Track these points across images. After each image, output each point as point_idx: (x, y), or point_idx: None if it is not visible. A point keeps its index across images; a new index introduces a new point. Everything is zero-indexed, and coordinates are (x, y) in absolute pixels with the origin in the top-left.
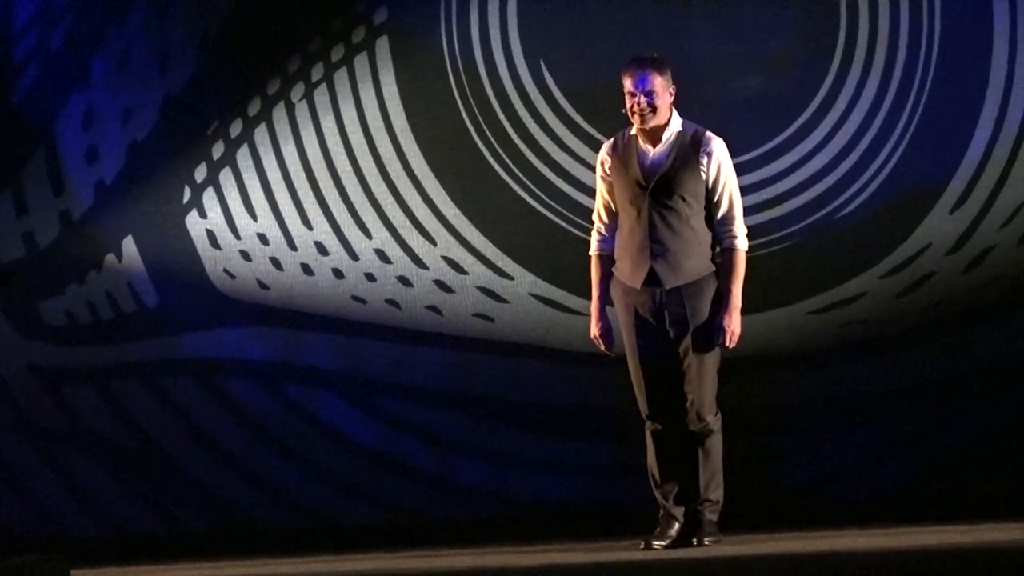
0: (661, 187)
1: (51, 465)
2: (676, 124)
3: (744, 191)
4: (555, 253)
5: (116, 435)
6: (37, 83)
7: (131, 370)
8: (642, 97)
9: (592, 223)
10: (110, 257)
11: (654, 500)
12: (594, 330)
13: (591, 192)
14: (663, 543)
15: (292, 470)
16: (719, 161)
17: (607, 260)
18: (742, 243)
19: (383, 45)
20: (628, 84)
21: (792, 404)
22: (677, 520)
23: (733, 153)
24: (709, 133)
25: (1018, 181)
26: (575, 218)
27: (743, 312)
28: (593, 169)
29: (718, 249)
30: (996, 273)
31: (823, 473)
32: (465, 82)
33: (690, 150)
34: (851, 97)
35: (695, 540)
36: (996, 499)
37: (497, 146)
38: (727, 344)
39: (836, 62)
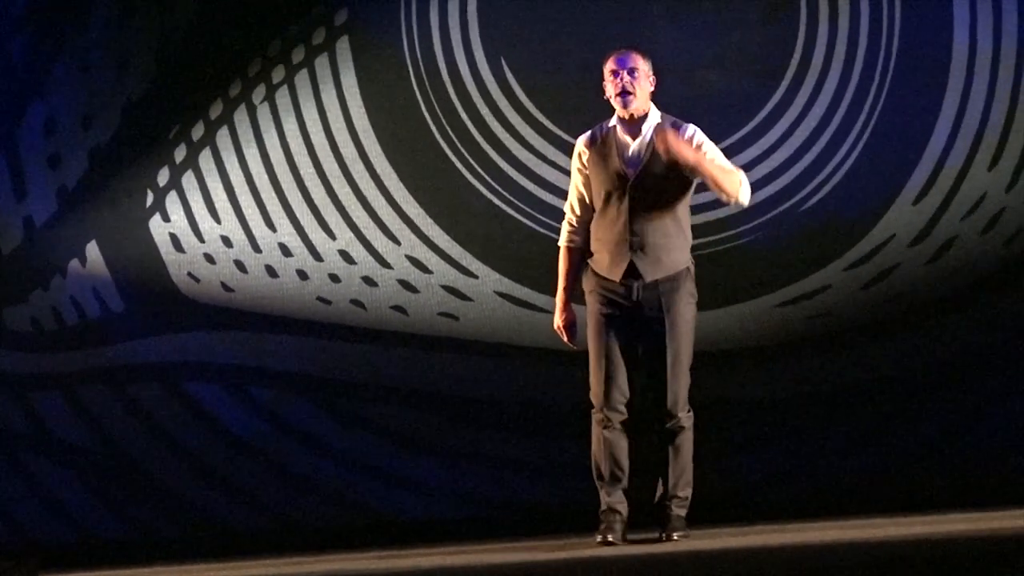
0: (643, 179)
1: (19, 471)
2: (655, 116)
3: (707, 186)
4: (519, 251)
5: (83, 440)
6: None
7: (97, 375)
8: (626, 74)
9: (563, 215)
10: (74, 263)
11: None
12: (558, 320)
13: (555, 190)
14: (617, 537)
15: (259, 472)
16: (700, 140)
17: (576, 252)
18: (743, 176)
19: (344, 46)
20: (611, 65)
21: (759, 397)
22: (620, 515)
23: None
24: (687, 123)
25: (980, 172)
26: (539, 216)
27: (710, 307)
28: (556, 166)
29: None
30: (959, 264)
31: (791, 466)
32: (427, 81)
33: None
34: (812, 90)
35: (664, 535)
36: (962, 489)
37: (460, 145)
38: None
39: (797, 56)
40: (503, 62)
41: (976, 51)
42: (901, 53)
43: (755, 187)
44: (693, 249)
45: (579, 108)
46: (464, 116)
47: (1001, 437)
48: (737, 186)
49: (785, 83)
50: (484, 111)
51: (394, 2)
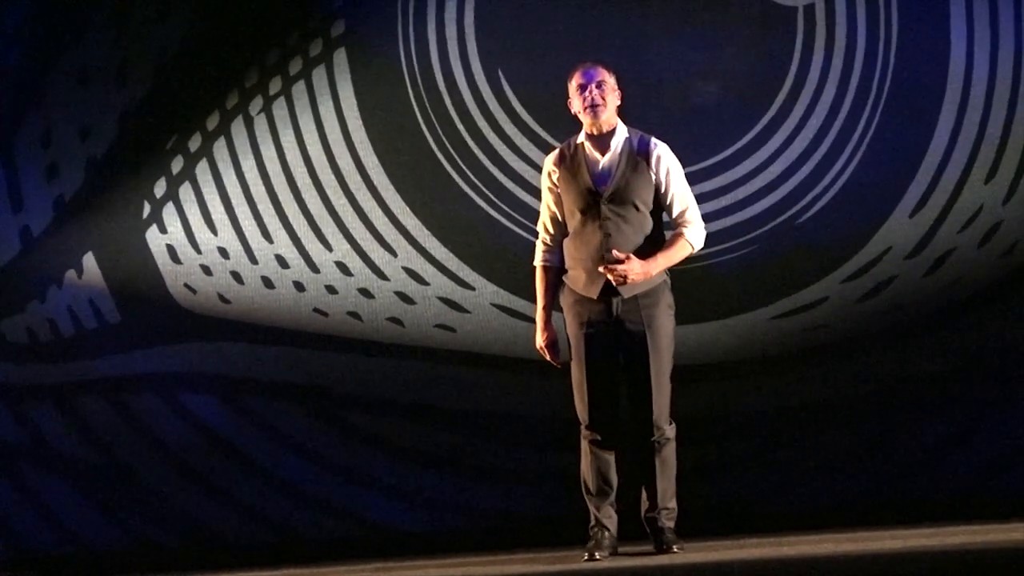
0: (615, 195)
1: (14, 482)
2: (623, 131)
3: (704, 198)
4: (516, 262)
5: (79, 451)
6: None
7: (93, 386)
8: (594, 87)
9: (536, 234)
10: (70, 273)
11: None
12: (540, 341)
13: None
14: (605, 553)
15: (255, 484)
16: (668, 164)
17: (552, 271)
18: (691, 234)
19: (341, 58)
20: (578, 79)
21: (755, 409)
22: (608, 530)
23: (693, 160)
24: (654, 139)
25: (977, 184)
26: (535, 227)
27: (705, 320)
28: None
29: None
30: (956, 276)
31: (787, 478)
32: (423, 93)
33: (639, 156)
34: (809, 103)
35: (663, 547)
36: (960, 501)
37: (456, 157)
38: (611, 269)
39: (793, 67)
40: (500, 74)
41: (973, 64)
42: (898, 66)
43: (751, 200)
44: (689, 261)
45: (575, 119)
46: (461, 128)
47: (998, 449)
48: (689, 251)
49: (782, 95)
50: (481, 123)
51: (391, 14)
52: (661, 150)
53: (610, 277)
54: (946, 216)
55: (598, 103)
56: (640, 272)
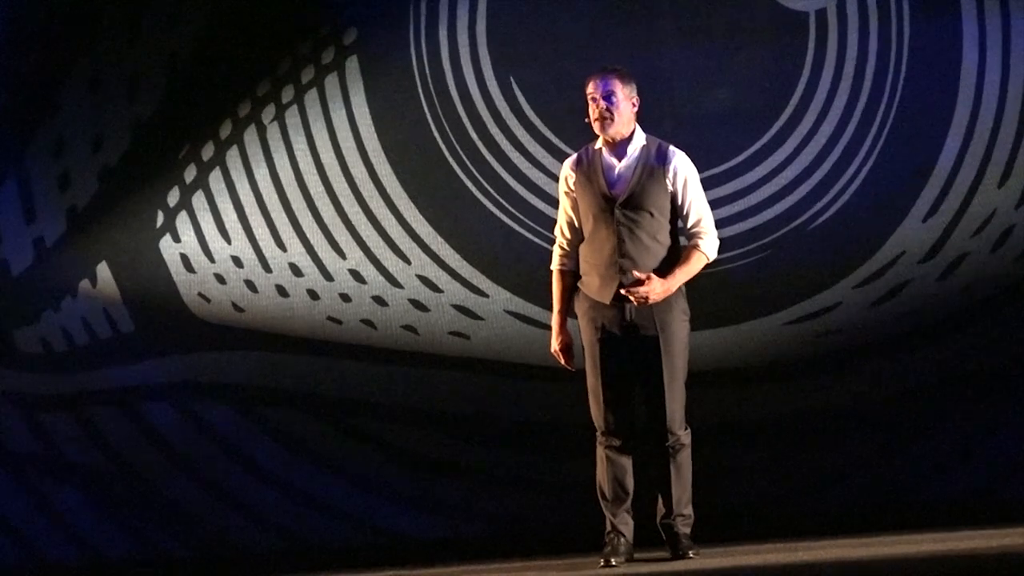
0: (629, 201)
1: (29, 492)
2: (640, 138)
3: (716, 204)
4: (529, 269)
5: (93, 461)
6: (6, 110)
7: (107, 396)
8: (602, 101)
9: (554, 238)
10: (84, 283)
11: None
12: (555, 345)
13: None
14: (621, 560)
15: (269, 492)
16: (685, 174)
17: (568, 275)
18: (706, 246)
19: (353, 65)
20: (590, 90)
21: (769, 415)
22: (624, 536)
23: (705, 166)
24: (672, 147)
25: (990, 188)
26: (549, 234)
27: (719, 326)
28: None
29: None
30: (970, 280)
31: (801, 483)
32: (436, 100)
33: (656, 163)
34: (822, 107)
35: (679, 553)
36: (974, 506)
37: (469, 164)
38: (632, 289)
39: (806, 73)
40: (512, 81)
41: (985, 68)
42: (910, 70)
43: (765, 204)
44: (704, 267)
45: (589, 126)
46: (474, 134)
47: (1013, 454)
48: (704, 263)
49: (794, 100)
50: (493, 129)
51: (403, 21)
52: (679, 159)
53: (632, 299)
54: (959, 220)
55: (605, 117)
56: (661, 291)
